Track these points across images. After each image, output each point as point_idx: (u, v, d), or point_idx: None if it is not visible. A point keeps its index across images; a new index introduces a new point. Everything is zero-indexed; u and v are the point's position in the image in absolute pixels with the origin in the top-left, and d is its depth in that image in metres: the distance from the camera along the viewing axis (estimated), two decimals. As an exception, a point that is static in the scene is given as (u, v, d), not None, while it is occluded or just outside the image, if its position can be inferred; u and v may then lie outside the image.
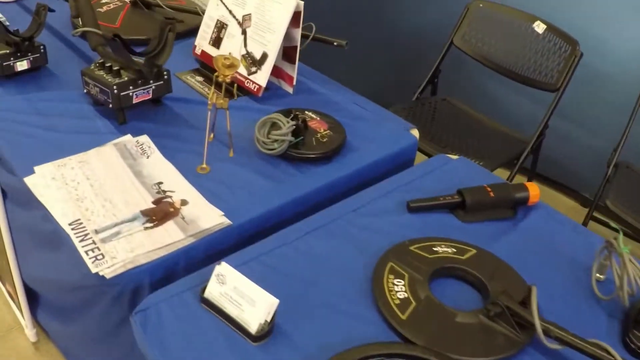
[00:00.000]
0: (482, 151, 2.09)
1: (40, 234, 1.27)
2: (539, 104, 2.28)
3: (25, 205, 1.31)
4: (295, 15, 1.48)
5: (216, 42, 1.62)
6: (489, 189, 1.28)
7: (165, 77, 1.40)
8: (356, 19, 2.27)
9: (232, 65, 1.27)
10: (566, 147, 2.53)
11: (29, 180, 1.23)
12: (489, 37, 2.23)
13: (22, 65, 1.55)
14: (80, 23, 1.55)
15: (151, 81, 1.38)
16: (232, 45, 1.57)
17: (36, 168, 1.26)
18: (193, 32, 1.79)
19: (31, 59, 1.56)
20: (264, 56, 1.51)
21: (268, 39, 1.50)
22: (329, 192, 1.34)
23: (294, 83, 1.58)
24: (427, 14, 2.62)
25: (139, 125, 1.41)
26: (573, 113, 2.45)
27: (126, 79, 1.35)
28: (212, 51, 1.62)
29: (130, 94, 1.36)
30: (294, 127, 1.32)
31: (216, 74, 1.28)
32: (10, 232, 1.53)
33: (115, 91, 1.34)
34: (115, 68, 1.36)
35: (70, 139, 1.36)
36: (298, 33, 1.51)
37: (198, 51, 1.67)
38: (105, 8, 1.83)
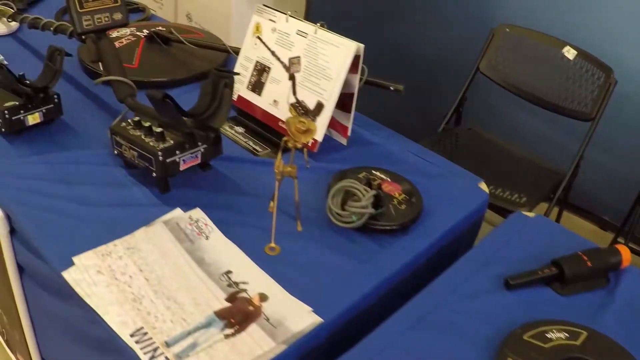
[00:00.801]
0: (517, 185, 1.95)
1: (84, 334, 1.05)
2: (569, 132, 2.15)
3: (60, 296, 1.08)
4: (354, 60, 1.28)
5: (257, 86, 1.40)
6: (584, 257, 1.13)
7: (216, 138, 1.18)
8: (373, 42, 2.09)
9: (309, 131, 1.07)
10: (589, 172, 2.42)
11: (69, 276, 1.01)
12: (516, 63, 2.08)
13: (34, 119, 1.31)
14: (102, 67, 1.31)
15: (199, 143, 1.17)
16: (277, 92, 1.37)
17: (75, 259, 1.03)
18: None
19: (44, 111, 1.32)
20: (319, 106, 1.31)
21: (324, 87, 1.30)
22: (411, 265, 1.15)
23: (349, 134, 1.38)
24: (447, 39, 2.44)
25: (184, 194, 1.20)
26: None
27: (172, 142, 1.13)
28: (251, 97, 1.41)
29: (177, 159, 1.14)
30: (374, 197, 1.13)
31: (286, 138, 1.08)
32: (27, 309, 1.30)
33: (161, 158, 1.11)
34: (158, 130, 1.14)
35: (106, 213, 1.14)
36: (356, 79, 1.32)
37: (234, 96, 1.45)
38: (117, 44, 1.59)
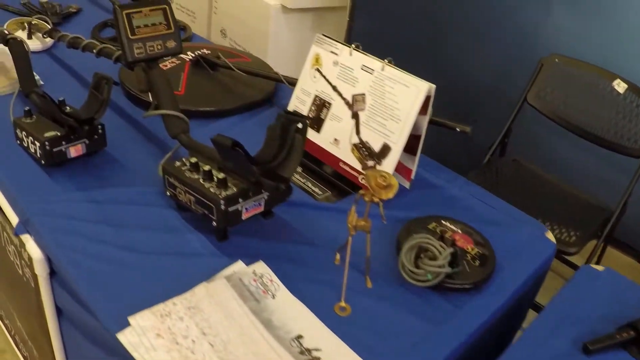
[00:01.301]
0: (564, 221, 1.85)
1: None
2: (617, 167, 2.06)
3: (107, 350, 0.99)
4: (424, 100, 1.19)
5: (315, 122, 1.31)
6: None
7: (284, 185, 1.08)
8: (415, 68, 2.00)
9: (390, 186, 0.97)
10: (633, 206, 2.32)
11: (125, 339, 0.91)
12: (564, 95, 1.99)
13: (76, 150, 1.21)
14: (151, 97, 1.21)
15: (262, 190, 1.07)
16: (338, 130, 1.27)
17: (131, 319, 0.93)
18: (267, 101, 1.48)
19: (87, 142, 1.21)
20: (386, 149, 1.21)
21: (391, 128, 1.20)
22: (486, 325, 1.06)
23: (412, 177, 1.28)
24: (493, 66, 2.33)
25: (243, 242, 1.10)
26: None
27: (235, 190, 1.03)
28: (309, 133, 1.31)
29: (240, 208, 1.04)
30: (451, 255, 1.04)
31: (362, 192, 0.98)
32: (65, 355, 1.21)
33: (223, 207, 1.02)
34: (220, 176, 1.04)
35: (160, 263, 1.04)
36: (425, 120, 1.22)
37: (289, 131, 1.35)
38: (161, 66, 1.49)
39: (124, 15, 1.14)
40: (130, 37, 1.15)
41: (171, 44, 1.19)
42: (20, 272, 1.26)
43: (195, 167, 1.08)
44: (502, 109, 2.03)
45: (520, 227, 1.27)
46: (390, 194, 0.99)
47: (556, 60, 1.99)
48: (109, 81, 1.13)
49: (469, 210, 1.28)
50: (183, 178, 1.07)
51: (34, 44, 1.64)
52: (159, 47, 1.18)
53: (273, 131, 1.01)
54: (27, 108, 1.26)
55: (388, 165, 1.22)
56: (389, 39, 2.02)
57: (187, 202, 1.08)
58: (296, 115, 1.00)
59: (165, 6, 1.19)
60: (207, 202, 1.03)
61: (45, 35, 1.60)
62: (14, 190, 1.19)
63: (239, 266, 1.04)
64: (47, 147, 1.17)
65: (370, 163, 1.24)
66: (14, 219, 1.17)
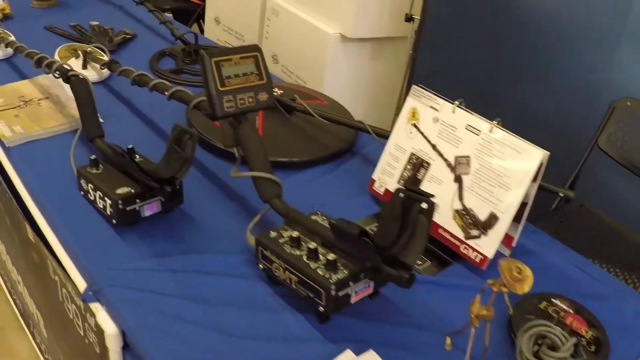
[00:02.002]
0: (636, 272, 1.73)
1: None
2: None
3: None
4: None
5: (411, 183, 1.18)
6: None
7: (406, 274, 0.94)
8: (481, 105, 1.87)
9: (526, 279, 0.84)
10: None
11: None
12: (637, 141, 1.86)
13: (151, 208, 1.08)
14: (236, 152, 1.08)
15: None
16: (437, 193, 1.14)
17: None
18: (347, 149, 1.35)
19: (164, 200, 1.08)
20: (492, 218, 1.09)
21: (499, 196, 1.08)
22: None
23: (514, 245, 1.16)
24: (562, 108, 2.18)
25: (347, 324, 0.97)
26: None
27: (346, 273, 0.90)
28: (402, 194, 1.18)
29: (350, 292, 0.91)
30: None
31: (490, 281, 0.86)
32: None
33: (334, 293, 0.88)
34: (330, 258, 0.91)
35: (256, 349, 0.91)
36: (534, 188, 1.09)
37: (380, 189, 1.23)
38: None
39: (213, 64, 1.01)
40: (220, 88, 1.01)
41: (263, 96, 1.06)
42: (82, 333, 1.14)
43: (296, 243, 0.95)
44: (569, 151, 1.90)
45: (623, 299, 1.15)
46: (525, 287, 0.86)
47: (628, 104, 1.87)
48: (193, 137, 1.00)
49: (570, 281, 1.15)
50: (283, 254, 0.94)
51: (90, 74, 1.50)
52: (251, 100, 1.05)
53: (391, 209, 0.88)
54: (93, 157, 1.13)
55: (494, 236, 1.09)
56: (452, 74, 1.89)
57: (286, 280, 0.95)
58: (419, 193, 0.87)
59: (256, 53, 1.06)
60: (315, 285, 0.90)
61: (103, 67, 1.46)
62: (79, 250, 1.06)
63: (347, 356, 0.91)
64: (120, 206, 1.04)
65: (475, 232, 1.11)
66: (79, 281, 1.05)
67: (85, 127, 1.20)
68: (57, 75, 1.29)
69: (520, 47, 1.77)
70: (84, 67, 1.51)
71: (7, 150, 1.29)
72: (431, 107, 1.18)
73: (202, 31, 2.99)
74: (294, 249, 0.95)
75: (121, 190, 1.06)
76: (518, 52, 1.79)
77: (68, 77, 1.24)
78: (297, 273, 0.93)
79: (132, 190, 1.06)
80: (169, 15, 2.03)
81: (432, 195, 0.93)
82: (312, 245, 0.93)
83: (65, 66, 1.30)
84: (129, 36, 1.75)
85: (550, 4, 1.68)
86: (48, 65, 1.32)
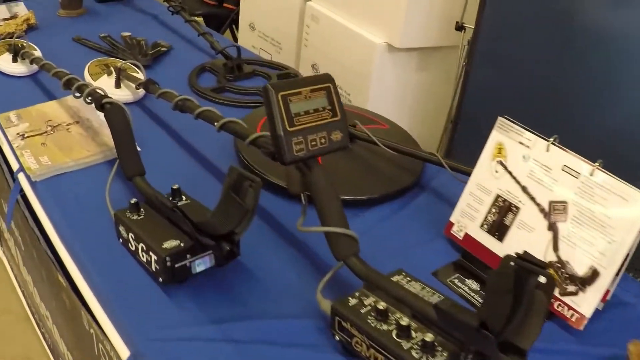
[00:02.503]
0: None
1: None
2: None
3: None
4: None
5: (497, 228, 1.00)
6: None
7: None
8: (533, 122, 1.70)
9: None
10: None
11: None
12: None
13: (203, 263, 0.91)
14: (304, 200, 0.90)
15: (469, 346, 0.76)
16: (528, 242, 0.96)
17: None
18: (416, 183, 1.17)
19: (217, 254, 0.91)
20: (593, 273, 0.91)
21: (601, 249, 0.90)
22: None
23: (608, 298, 0.98)
24: (627, 128, 1.96)
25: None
26: None
27: (445, 355, 0.73)
28: (487, 240, 1.01)
29: (448, 375, 0.74)
30: None
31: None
32: None
33: (433, 383, 0.71)
34: (427, 339, 0.73)
35: None
36: (637, 238, 0.91)
37: (459, 233, 1.05)
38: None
39: (280, 99, 0.83)
40: (289, 129, 0.84)
41: (337, 135, 0.88)
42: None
43: (383, 315, 0.77)
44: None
45: None
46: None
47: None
48: (256, 185, 0.82)
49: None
50: (367, 329, 0.77)
51: (123, 94, 1.33)
52: (323, 140, 0.87)
53: (501, 281, 0.70)
54: (133, 200, 0.96)
55: (594, 293, 0.91)
56: (508, 89, 1.70)
57: (370, 357, 0.78)
58: (536, 265, 0.69)
59: (329, 84, 0.88)
60: (410, 370, 0.73)
61: (138, 87, 1.29)
62: (118, 309, 0.90)
63: None
64: (168, 264, 0.87)
65: (571, 288, 0.93)
66: (120, 346, 0.88)
67: (123, 164, 1.02)
68: (88, 101, 1.12)
69: (587, 61, 1.58)
70: (117, 85, 1.33)
71: (34, 184, 1.12)
72: (520, 142, 1.00)
73: (234, 37, 2.81)
74: (380, 323, 0.77)
75: (169, 244, 0.88)
76: (585, 67, 1.60)
77: (102, 104, 1.07)
78: (385, 353, 0.75)
79: (182, 244, 0.89)
80: (200, 19, 1.84)
81: (549, 266, 0.75)
82: (404, 321, 0.76)
83: (98, 91, 1.12)
84: (164, 49, 1.58)
85: (627, 14, 1.49)
86: (79, 89, 1.15)
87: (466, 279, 1.02)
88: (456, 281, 1.01)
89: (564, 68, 1.64)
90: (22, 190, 1.18)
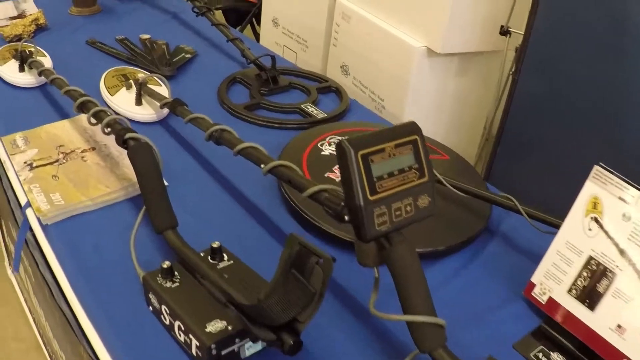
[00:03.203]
0: None
1: None
2: None
3: None
4: None
5: (587, 295, 0.82)
6: None
7: None
8: (584, 138, 1.51)
9: None
10: None
11: None
12: None
13: (252, 348, 0.72)
14: (376, 273, 0.71)
15: None
16: (625, 314, 0.78)
17: None
18: (485, 228, 0.98)
19: (277, 348, 0.72)
20: None
21: None
22: None
23: None
24: None
25: None
26: None
27: None
28: (574, 307, 0.82)
29: None
30: None
31: None
32: None
33: None
34: None
35: None
36: None
37: (541, 297, 0.86)
38: (332, 175, 0.99)
39: (360, 160, 0.64)
40: (370, 197, 0.64)
41: (424, 201, 0.69)
42: None
43: None
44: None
45: None
46: None
47: None
48: (326, 264, 0.63)
49: None
50: None
51: (145, 112, 1.13)
52: (409, 209, 0.67)
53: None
54: (165, 265, 0.77)
55: None
56: (559, 99, 1.50)
57: None
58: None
59: (415, 137, 0.69)
60: None
61: (163, 107, 1.08)
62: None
63: None
64: (214, 352, 0.68)
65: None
66: None
67: (152, 216, 0.82)
68: (107, 132, 0.91)
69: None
70: (138, 102, 1.13)
71: (45, 227, 0.92)
72: (620, 198, 0.81)
73: (255, 33, 2.57)
74: None
75: (213, 326, 0.70)
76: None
77: (124, 140, 0.86)
78: None
79: (229, 327, 0.70)
80: (215, 14, 1.61)
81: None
82: None
83: (119, 121, 0.91)
84: (188, 55, 1.36)
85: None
86: (96, 116, 0.94)
87: (551, 352, 0.84)
88: (540, 355, 0.83)
89: (622, 80, 1.45)
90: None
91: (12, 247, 1.46)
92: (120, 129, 0.88)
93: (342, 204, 0.71)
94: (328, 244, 0.92)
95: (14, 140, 1.06)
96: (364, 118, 1.25)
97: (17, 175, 0.99)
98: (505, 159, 1.58)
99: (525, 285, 0.90)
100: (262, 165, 0.85)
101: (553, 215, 0.95)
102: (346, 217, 0.69)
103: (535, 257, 0.91)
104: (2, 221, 1.41)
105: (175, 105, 1.04)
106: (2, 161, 1.07)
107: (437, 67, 1.58)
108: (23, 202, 0.99)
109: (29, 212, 0.96)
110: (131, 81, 1.16)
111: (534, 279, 0.89)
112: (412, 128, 0.69)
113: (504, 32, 1.58)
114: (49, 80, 1.10)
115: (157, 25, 1.55)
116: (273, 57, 1.28)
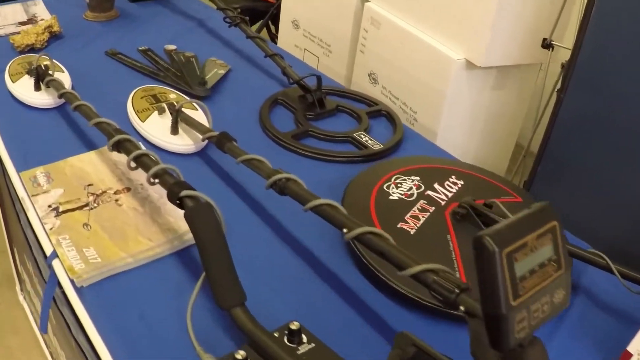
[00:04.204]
0: None
1: None
2: None
3: None
4: None
5: None
6: None
7: None
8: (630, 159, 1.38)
9: None
10: None
11: None
12: None
13: None
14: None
15: None
16: None
17: None
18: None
19: None
20: None
21: None
22: None
23: None
24: None
25: None
26: None
27: None
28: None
29: None
30: None
31: None
32: None
33: None
34: None
35: None
36: None
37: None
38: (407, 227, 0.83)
39: (504, 260, 0.49)
40: (513, 303, 0.50)
41: (559, 295, 0.54)
42: None
43: None
44: None
45: None
46: None
47: None
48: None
49: None
50: None
51: (183, 142, 0.95)
52: (545, 308, 0.53)
53: None
54: (240, 354, 0.61)
55: None
56: (608, 120, 1.36)
57: None
58: None
59: (554, 222, 0.54)
60: None
61: (205, 140, 0.91)
62: None
63: None
64: None
65: None
66: None
67: (215, 289, 0.66)
68: (153, 182, 0.74)
69: None
70: (174, 131, 0.95)
71: (79, 289, 0.76)
72: None
73: (271, 35, 2.39)
74: None
75: None
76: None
77: (179, 198, 0.69)
78: None
79: None
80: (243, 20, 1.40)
81: None
82: None
83: (169, 172, 0.74)
84: (222, 71, 1.18)
85: None
86: (138, 160, 0.77)
87: None
88: None
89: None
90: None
91: (25, 276, 1.29)
92: (173, 184, 0.71)
93: (457, 291, 0.58)
94: (401, 305, 0.78)
95: (34, 176, 0.88)
96: (419, 147, 1.09)
97: (41, 222, 0.81)
98: (545, 180, 1.45)
99: (619, 353, 0.77)
100: (345, 230, 0.69)
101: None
102: (462, 308, 0.57)
103: (625, 319, 0.78)
104: (14, 247, 1.23)
105: (223, 142, 0.87)
106: (21, 198, 0.90)
107: (475, 80, 1.42)
108: (47, 250, 0.82)
109: (57, 265, 0.80)
110: (164, 105, 0.99)
111: (631, 348, 0.76)
112: (550, 213, 0.54)
113: (547, 45, 1.44)
114: (73, 107, 0.92)
115: (181, 34, 1.36)
116: (319, 78, 1.09)
